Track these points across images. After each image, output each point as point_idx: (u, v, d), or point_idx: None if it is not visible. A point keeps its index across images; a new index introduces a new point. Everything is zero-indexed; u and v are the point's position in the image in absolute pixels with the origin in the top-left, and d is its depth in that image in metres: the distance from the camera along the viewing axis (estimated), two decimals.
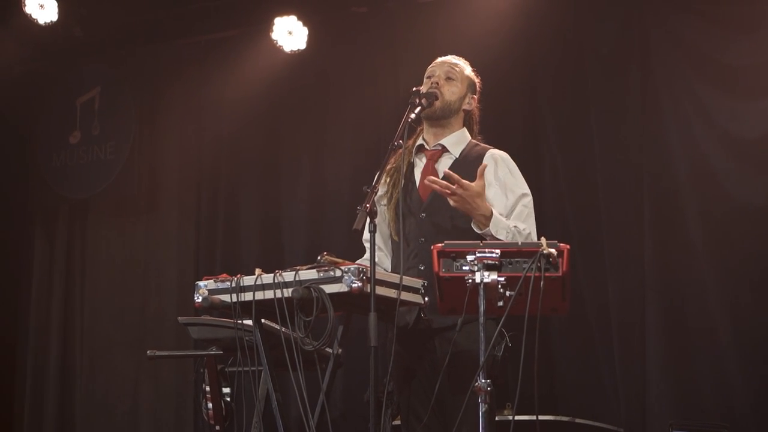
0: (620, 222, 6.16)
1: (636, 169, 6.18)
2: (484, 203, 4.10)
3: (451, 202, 4.08)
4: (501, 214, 4.19)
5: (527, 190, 4.35)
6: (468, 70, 4.56)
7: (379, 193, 4.43)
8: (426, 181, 4.13)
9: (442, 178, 4.09)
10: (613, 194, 6.19)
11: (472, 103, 4.55)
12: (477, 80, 4.58)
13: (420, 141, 4.51)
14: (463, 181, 4.03)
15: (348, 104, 7.20)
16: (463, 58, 4.66)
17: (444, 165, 4.41)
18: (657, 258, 6.05)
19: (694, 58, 6.15)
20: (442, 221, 4.28)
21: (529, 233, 4.20)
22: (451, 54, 4.63)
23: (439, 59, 4.57)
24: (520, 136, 6.42)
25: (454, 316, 3.82)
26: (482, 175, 4.10)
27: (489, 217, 4.10)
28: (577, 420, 5.74)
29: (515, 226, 4.15)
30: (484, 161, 4.32)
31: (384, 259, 4.50)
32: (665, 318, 5.98)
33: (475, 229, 4.12)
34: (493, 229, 4.08)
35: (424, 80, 4.50)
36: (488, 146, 4.48)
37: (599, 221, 6.20)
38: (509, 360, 3.90)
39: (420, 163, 4.48)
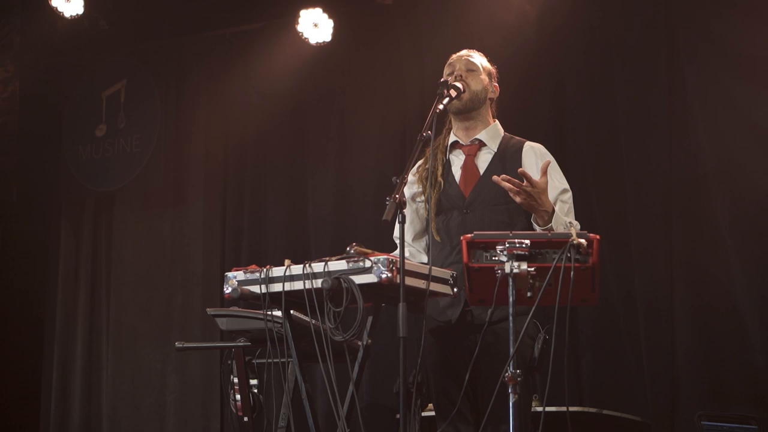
0: (647, 213, 6.14)
1: (663, 160, 6.16)
2: (548, 199, 4.13)
3: (518, 199, 4.08)
4: None
5: (567, 186, 4.38)
6: (485, 60, 4.59)
7: (415, 190, 4.46)
8: (494, 179, 4.12)
9: (516, 176, 4.08)
10: (640, 185, 6.17)
11: (495, 91, 4.58)
12: (494, 68, 4.60)
13: (452, 138, 4.52)
14: (534, 178, 4.04)
15: (374, 96, 7.20)
16: (487, 48, 4.71)
17: (483, 160, 4.44)
18: (684, 249, 6.03)
19: (721, 49, 6.12)
20: (486, 215, 4.30)
21: (578, 227, 4.21)
22: (474, 46, 4.66)
23: (455, 55, 4.60)
24: (546, 127, 6.40)
25: (488, 307, 3.82)
26: (545, 171, 4.11)
27: (551, 213, 4.13)
28: (605, 411, 5.73)
29: (570, 222, 4.18)
30: (524, 154, 4.38)
31: (417, 255, 4.51)
32: (692, 309, 5.96)
33: (535, 225, 4.15)
34: (554, 224, 4.10)
35: (445, 77, 4.50)
36: (523, 139, 4.50)
37: (626, 212, 6.19)
38: (546, 353, 3.92)
39: (457, 160, 4.49)
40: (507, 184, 4.06)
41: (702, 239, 6.03)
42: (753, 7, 6.05)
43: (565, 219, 4.19)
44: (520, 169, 4.08)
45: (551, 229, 4.10)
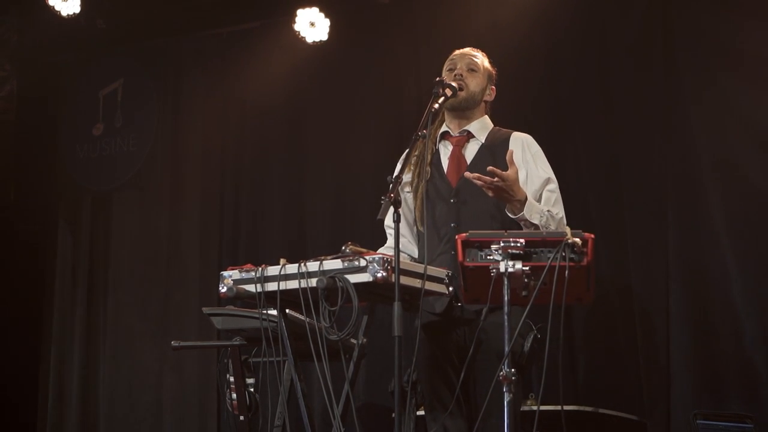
0: (643, 211, 6.14)
1: (659, 159, 6.16)
2: (520, 189, 4.16)
3: (490, 194, 4.12)
4: None
5: (552, 175, 4.40)
6: (486, 61, 4.62)
7: (404, 180, 4.46)
8: (466, 176, 4.15)
9: (486, 174, 4.10)
10: (637, 183, 6.17)
11: (492, 94, 4.61)
12: (494, 70, 4.62)
13: (443, 129, 4.55)
14: (503, 172, 4.06)
15: (370, 95, 7.20)
16: (483, 47, 4.72)
17: (471, 151, 4.47)
18: (680, 247, 6.03)
19: (718, 47, 6.12)
20: (473, 206, 4.33)
21: (562, 217, 4.26)
22: (470, 45, 4.68)
23: (458, 51, 4.62)
24: (543, 124, 6.38)
25: (478, 305, 3.83)
26: (512, 161, 4.13)
27: (524, 202, 4.14)
28: (601, 410, 5.73)
29: (548, 211, 4.20)
30: (510, 144, 4.40)
31: (408, 245, 4.53)
32: (689, 307, 5.96)
33: (509, 214, 4.17)
34: (527, 213, 4.13)
35: (445, 72, 4.54)
36: (511, 130, 4.52)
37: (622, 210, 6.19)
38: (536, 351, 3.92)
39: (446, 150, 4.53)
40: (479, 182, 4.09)
41: (698, 238, 6.02)
42: (750, 6, 6.05)
43: (542, 208, 4.23)
44: (489, 168, 4.10)
45: (524, 218, 4.14)
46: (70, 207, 8.30)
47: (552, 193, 4.37)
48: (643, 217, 6.14)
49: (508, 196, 4.12)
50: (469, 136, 4.52)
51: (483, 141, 4.49)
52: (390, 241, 4.45)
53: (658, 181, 6.14)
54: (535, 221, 4.15)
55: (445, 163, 4.50)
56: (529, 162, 4.40)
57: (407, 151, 4.17)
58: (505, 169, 4.12)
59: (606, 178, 6.31)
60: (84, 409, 7.92)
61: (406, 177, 4.49)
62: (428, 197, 4.42)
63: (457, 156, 4.48)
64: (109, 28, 7.78)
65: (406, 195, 4.52)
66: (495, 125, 4.61)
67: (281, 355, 4.25)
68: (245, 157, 7.71)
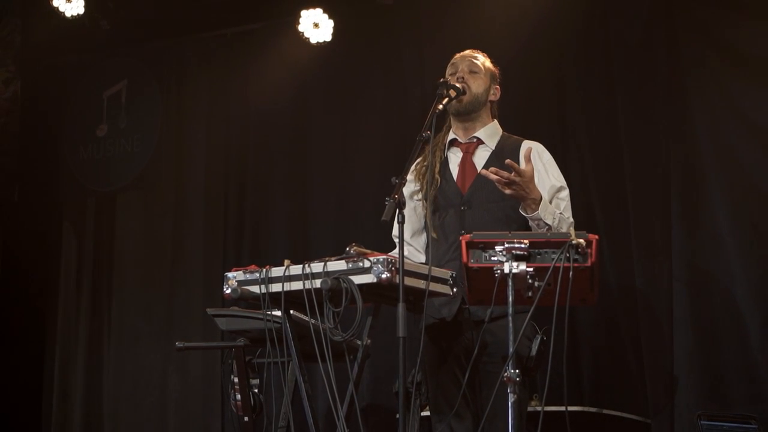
0: (647, 212, 6.13)
1: (663, 159, 6.15)
2: (535, 187, 4.16)
3: (507, 191, 4.10)
4: None
5: (564, 183, 4.41)
6: (488, 61, 4.63)
7: (412, 188, 4.47)
8: (482, 173, 4.15)
9: (504, 168, 4.09)
10: (641, 184, 6.17)
11: (496, 93, 4.61)
12: (496, 70, 4.62)
13: (451, 136, 4.54)
14: (520, 168, 4.06)
15: (374, 96, 7.20)
16: (488, 49, 4.72)
17: (480, 157, 4.47)
18: (684, 248, 6.02)
19: (721, 48, 6.11)
20: (483, 213, 4.32)
21: (572, 222, 4.25)
22: (475, 46, 4.68)
23: (458, 54, 4.64)
24: (547, 125, 6.41)
25: (487, 306, 3.83)
26: (529, 158, 4.13)
27: (539, 201, 4.14)
28: (605, 411, 5.74)
29: (561, 213, 4.20)
30: (521, 152, 4.38)
31: (415, 254, 4.52)
32: (692, 308, 5.95)
33: (523, 213, 4.17)
34: (541, 212, 4.13)
35: (447, 76, 4.55)
36: (521, 138, 4.52)
37: (626, 211, 6.18)
38: (543, 354, 3.93)
39: (454, 158, 4.52)
40: (494, 176, 4.08)
41: (702, 239, 6.02)
42: (754, 6, 6.05)
43: (555, 209, 4.22)
44: (507, 161, 4.09)
45: (538, 217, 4.13)
46: (74, 208, 8.30)
47: (562, 200, 4.37)
48: (647, 217, 6.13)
49: (524, 193, 4.11)
50: (479, 142, 4.52)
51: (493, 148, 4.49)
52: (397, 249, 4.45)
53: (662, 181, 6.14)
54: (549, 221, 4.16)
55: (454, 170, 4.50)
56: (541, 171, 4.40)
57: (413, 153, 4.16)
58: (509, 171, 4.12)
59: (610, 180, 6.30)
60: (88, 410, 7.92)
61: (415, 187, 4.50)
62: (438, 205, 4.42)
63: (467, 163, 4.48)
64: (113, 29, 7.78)
65: (416, 204, 4.52)
66: (504, 131, 4.61)
67: (285, 356, 4.25)
68: (249, 157, 7.70)
